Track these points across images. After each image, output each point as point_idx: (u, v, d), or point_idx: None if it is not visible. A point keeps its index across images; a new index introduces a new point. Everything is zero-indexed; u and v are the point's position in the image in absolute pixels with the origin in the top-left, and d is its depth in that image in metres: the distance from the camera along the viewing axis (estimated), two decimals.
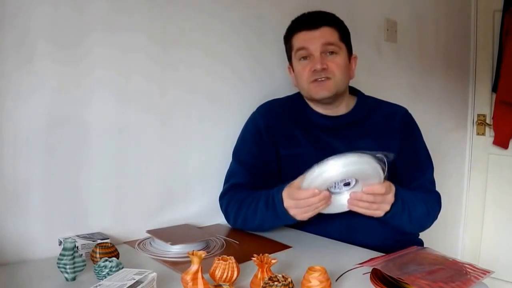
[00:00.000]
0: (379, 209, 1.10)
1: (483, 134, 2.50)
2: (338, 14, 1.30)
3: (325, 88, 1.26)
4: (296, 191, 1.07)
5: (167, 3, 1.26)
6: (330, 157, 1.02)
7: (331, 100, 1.30)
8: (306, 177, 1.03)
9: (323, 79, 1.25)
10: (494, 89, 2.39)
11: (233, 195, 1.28)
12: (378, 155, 1.04)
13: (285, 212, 1.12)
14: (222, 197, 1.32)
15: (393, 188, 1.11)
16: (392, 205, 1.12)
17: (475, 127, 2.53)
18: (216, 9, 1.38)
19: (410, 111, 1.40)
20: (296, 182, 1.08)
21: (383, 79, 1.94)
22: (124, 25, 1.19)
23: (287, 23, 1.33)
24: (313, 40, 1.25)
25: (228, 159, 1.36)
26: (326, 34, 1.25)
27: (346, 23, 1.31)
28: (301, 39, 1.27)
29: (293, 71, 1.33)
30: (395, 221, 1.17)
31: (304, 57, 1.28)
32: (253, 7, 1.47)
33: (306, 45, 1.25)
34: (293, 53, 1.31)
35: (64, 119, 1.10)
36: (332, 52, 1.26)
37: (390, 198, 1.10)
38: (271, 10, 1.51)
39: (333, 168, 0.99)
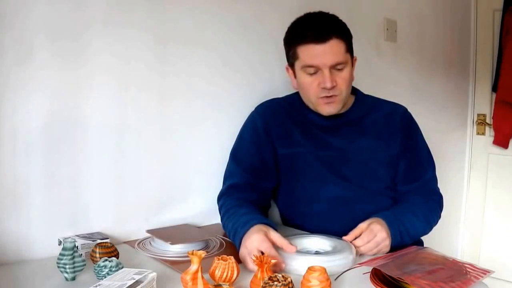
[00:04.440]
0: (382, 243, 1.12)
1: (483, 134, 2.50)
2: (337, 14, 1.29)
3: (333, 106, 1.26)
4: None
5: (166, 2, 1.26)
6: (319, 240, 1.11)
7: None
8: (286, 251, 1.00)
9: (331, 96, 1.24)
10: (494, 88, 2.38)
11: (226, 199, 1.26)
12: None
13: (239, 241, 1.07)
14: (219, 199, 1.31)
15: (378, 226, 1.12)
16: (391, 238, 1.13)
17: (475, 126, 2.53)
18: (215, 8, 1.38)
19: (409, 110, 1.39)
20: (278, 240, 1.02)
21: (383, 79, 1.94)
22: (124, 23, 1.18)
23: (287, 22, 1.30)
24: (323, 56, 1.19)
25: (228, 158, 1.36)
26: (335, 50, 1.20)
27: (346, 22, 1.30)
28: (310, 55, 1.21)
29: (295, 76, 1.30)
30: (400, 245, 1.17)
31: (312, 73, 1.24)
32: (252, 7, 1.47)
33: (316, 63, 1.20)
34: (297, 64, 1.25)
35: (63, 118, 1.10)
36: (340, 68, 1.23)
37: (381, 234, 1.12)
38: (270, 10, 1.51)
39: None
